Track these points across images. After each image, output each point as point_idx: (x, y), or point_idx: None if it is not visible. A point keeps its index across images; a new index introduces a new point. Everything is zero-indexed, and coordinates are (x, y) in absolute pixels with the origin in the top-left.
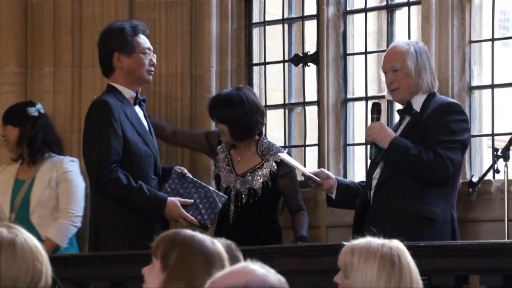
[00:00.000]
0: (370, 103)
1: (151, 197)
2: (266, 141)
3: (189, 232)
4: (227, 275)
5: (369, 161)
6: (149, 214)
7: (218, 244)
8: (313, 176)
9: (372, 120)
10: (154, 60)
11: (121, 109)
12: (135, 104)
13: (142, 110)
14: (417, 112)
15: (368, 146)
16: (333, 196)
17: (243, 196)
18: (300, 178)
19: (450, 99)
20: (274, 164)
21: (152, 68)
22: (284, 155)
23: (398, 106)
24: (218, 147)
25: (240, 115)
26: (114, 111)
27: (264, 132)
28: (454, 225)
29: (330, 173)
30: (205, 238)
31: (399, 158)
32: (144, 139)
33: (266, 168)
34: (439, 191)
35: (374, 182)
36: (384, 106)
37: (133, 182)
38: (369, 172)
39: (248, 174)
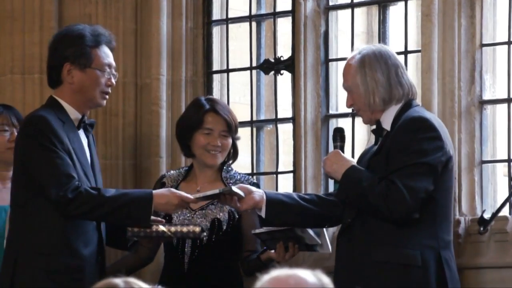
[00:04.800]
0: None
1: (132, 194)
2: (231, 168)
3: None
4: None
5: None
6: (134, 215)
7: None
8: (234, 190)
9: (335, 148)
10: (114, 81)
11: (62, 130)
12: (79, 128)
13: (87, 137)
14: (388, 132)
15: (333, 182)
16: (262, 214)
17: (204, 232)
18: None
19: (416, 114)
20: None
21: (109, 90)
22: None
23: None
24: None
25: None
26: (56, 130)
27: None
28: (443, 269)
29: (254, 188)
30: None
31: (349, 193)
32: (85, 173)
33: None
34: (419, 226)
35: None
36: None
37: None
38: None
39: (209, 205)
